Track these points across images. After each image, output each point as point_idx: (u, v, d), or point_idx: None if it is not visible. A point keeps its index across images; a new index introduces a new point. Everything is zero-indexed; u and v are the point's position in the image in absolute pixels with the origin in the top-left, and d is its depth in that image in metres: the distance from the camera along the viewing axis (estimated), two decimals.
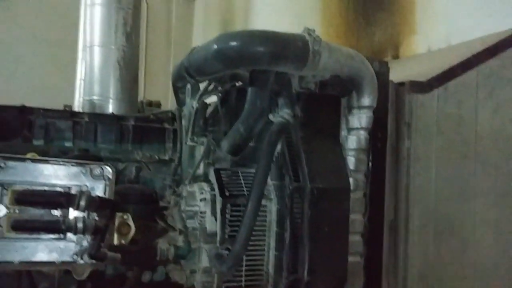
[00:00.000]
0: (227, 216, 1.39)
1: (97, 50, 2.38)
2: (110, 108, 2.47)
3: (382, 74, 1.53)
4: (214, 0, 4.99)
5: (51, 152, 1.77)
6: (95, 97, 2.47)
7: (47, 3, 5.19)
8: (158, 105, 2.90)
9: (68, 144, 1.98)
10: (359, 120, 1.47)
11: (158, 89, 5.11)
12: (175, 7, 5.72)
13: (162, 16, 5.61)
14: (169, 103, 3.79)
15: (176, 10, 5.72)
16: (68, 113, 2.09)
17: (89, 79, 2.50)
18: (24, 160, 1.26)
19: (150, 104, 2.84)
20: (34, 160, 1.27)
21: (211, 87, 1.70)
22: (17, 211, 1.20)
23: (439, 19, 1.97)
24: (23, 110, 1.96)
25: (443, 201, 1.59)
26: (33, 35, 5.11)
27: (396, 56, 2.19)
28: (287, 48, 1.31)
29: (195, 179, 1.63)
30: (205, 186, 1.51)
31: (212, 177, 1.49)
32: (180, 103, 1.87)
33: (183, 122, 1.83)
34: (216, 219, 1.42)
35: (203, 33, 5.31)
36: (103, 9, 2.21)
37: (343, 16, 2.56)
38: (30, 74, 5.02)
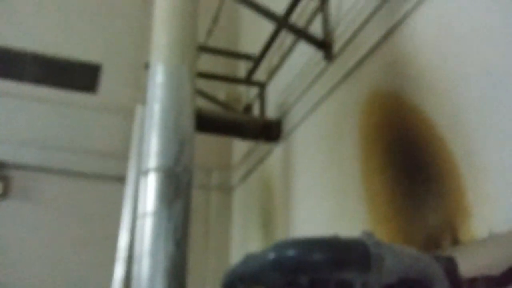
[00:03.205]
0: None
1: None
2: None
3: (451, 272, 1.42)
4: (253, 190, 5.16)
5: None
6: None
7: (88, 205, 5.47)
8: None
9: None
10: None
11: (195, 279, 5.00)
12: (214, 198, 5.93)
13: (200, 207, 5.77)
14: None
15: (215, 200, 5.92)
16: None
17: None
18: None
19: None
20: None
21: None
22: None
23: (494, 200, 1.91)
24: None
25: None
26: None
27: (455, 241, 2.08)
28: (348, 254, 1.25)
29: None
30: None
31: None
32: None
33: None
34: None
35: (242, 224, 5.37)
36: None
37: (390, 200, 2.54)
38: None
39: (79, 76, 6.14)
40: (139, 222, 1.91)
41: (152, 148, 1.42)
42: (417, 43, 2.42)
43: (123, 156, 4.60)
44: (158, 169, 1.38)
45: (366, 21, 2.91)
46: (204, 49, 4.79)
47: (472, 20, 2.03)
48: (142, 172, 1.44)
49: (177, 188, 1.38)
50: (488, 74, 1.90)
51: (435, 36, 2.28)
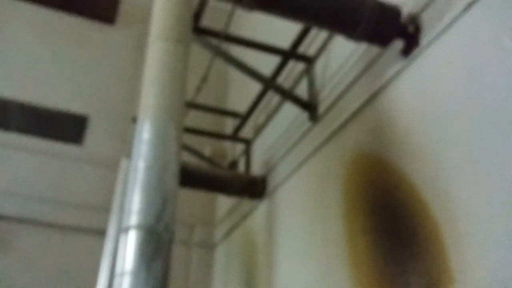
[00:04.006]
0: None
1: None
2: None
3: None
4: (236, 248, 5.07)
5: None
6: None
7: None
8: None
9: None
10: None
11: None
12: (195, 255, 5.81)
13: (181, 264, 5.64)
14: None
15: (196, 257, 5.80)
16: None
17: None
18: None
19: None
20: None
21: None
22: None
23: (477, 266, 1.91)
24: None
25: None
26: None
27: None
28: None
29: None
30: None
31: None
32: None
33: None
34: None
35: (224, 282, 5.24)
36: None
37: (373, 264, 2.51)
38: None
39: (65, 127, 6.14)
40: (116, 281, 1.85)
41: (134, 205, 1.40)
42: (399, 107, 2.50)
43: (105, 209, 4.53)
44: (139, 227, 1.36)
45: (351, 85, 3.01)
46: (192, 105, 4.87)
47: (452, 87, 2.11)
48: (122, 229, 1.42)
49: (157, 247, 1.35)
50: (469, 139, 1.96)
51: (417, 101, 2.36)
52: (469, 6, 2.05)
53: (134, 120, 4.83)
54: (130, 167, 1.52)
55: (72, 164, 5.82)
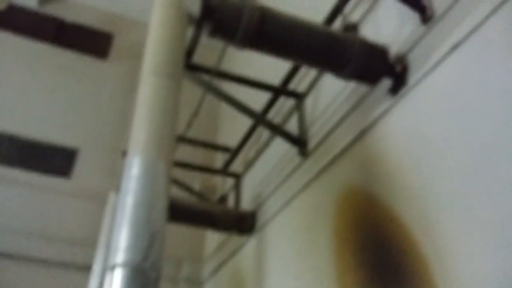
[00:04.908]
0: None
1: None
2: None
3: None
4: (224, 284, 4.98)
5: None
6: None
7: None
8: None
9: None
10: None
11: None
12: None
13: None
14: None
15: None
16: None
17: None
18: None
19: None
20: None
21: None
22: None
23: None
24: None
25: None
26: None
27: None
28: None
29: None
30: None
31: None
32: None
33: None
34: None
35: None
36: None
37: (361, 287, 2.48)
38: None
39: (54, 160, 6.10)
40: None
41: (120, 242, 1.38)
42: (388, 145, 2.53)
43: (92, 244, 4.45)
44: (125, 265, 1.34)
45: (340, 121, 3.05)
46: (183, 139, 4.88)
47: (439, 125, 2.15)
48: (108, 267, 1.39)
49: (143, 285, 1.32)
50: (457, 176, 1.97)
51: (405, 139, 2.39)
52: (454, 48, 2.11)
53: (124, 154, 4.82)
54: (118, 203, 1.51)
55: (60, 198, 5.75)
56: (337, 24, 3.02)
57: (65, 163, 6.12)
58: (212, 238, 5.88)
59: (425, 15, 2.34)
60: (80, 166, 6.12)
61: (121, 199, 1.49)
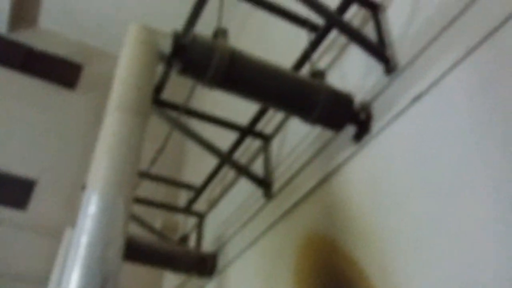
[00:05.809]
0: None
1: None
2: None
3: None
4: None
5: None
6: None
7: None
8: None
9: None
10: None
11: None
12: None
13: None
14: None
15: None
16: None
17: None
18: None
19: None
20: None
21: None
22: None
23: None
24: None
25: None
26: None
27: None
28: None
29: None
30: None
31: None
32: None
33: None
34: None
35: None
36: None
37: None
38: None
39: (10, 191, 5.84)
40: None
41: (72, 283, 1.31)
42: (351, 190, 2.55)
43: (44, 281, 4.21)
44: None
45: (305, 165, 3.07)
46: (146, 175, 4.78)
47: (401, 173, 2.19)
48: None
49: None
50: (417, 225, 1.99)
51: (368, 185, 2.42)
52: (416, 99, 2.19)
53: (83, 188, 4.66)
54: (72, 242, 1.44)
55: (13, 230, 5.47)
56: (305, 70, 3.09)
57: (22, 194, 5.87)
58: (171, 279, 5.69)
59: (389, 66, 2.43)
60: (37, 198, 5.88)
61: (75, 237, 1.42)
